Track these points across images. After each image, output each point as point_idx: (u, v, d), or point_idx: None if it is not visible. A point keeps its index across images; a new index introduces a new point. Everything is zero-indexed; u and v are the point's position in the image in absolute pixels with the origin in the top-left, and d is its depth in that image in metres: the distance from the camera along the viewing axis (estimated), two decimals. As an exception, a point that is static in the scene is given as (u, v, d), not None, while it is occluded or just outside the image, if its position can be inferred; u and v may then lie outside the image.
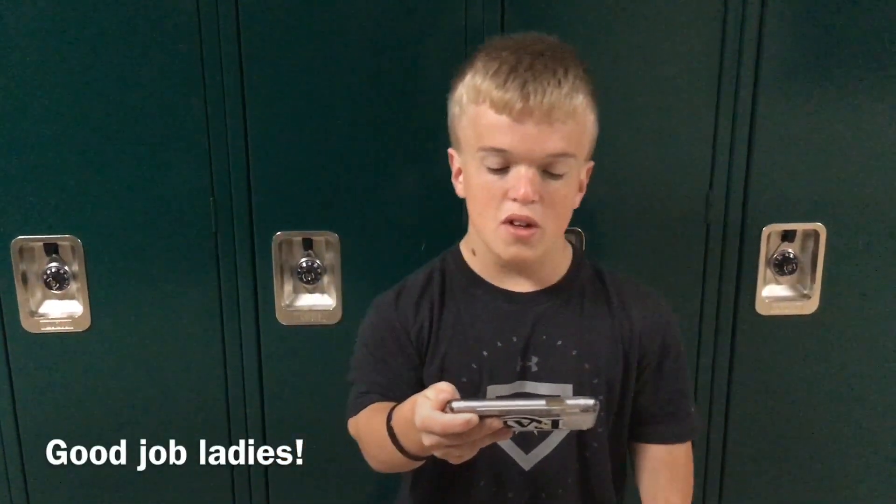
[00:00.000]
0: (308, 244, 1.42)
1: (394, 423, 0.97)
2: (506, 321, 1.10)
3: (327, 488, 1.51)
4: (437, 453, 0.90)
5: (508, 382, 1.09)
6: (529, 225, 1.00)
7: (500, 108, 0.97)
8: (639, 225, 1.42)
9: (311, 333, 1.44)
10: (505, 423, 0.86)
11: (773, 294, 1.46)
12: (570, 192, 1.03)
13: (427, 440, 0.87)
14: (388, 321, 1.12)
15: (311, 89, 1.34)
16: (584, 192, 1.10)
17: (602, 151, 1.38)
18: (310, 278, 1.42)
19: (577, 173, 1.04)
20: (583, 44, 1.32)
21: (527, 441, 1.11)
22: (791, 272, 1.45)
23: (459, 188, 1.09)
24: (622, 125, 1.38)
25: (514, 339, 1.09)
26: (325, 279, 1.44)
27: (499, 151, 0.99)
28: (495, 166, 1.00)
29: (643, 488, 1.18)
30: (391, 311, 1.12)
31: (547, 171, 0.99)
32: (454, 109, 1.06)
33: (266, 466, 1.50)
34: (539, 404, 0.84)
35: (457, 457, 0.90)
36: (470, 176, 1.04)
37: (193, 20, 1.30)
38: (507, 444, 1.11)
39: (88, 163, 1.36)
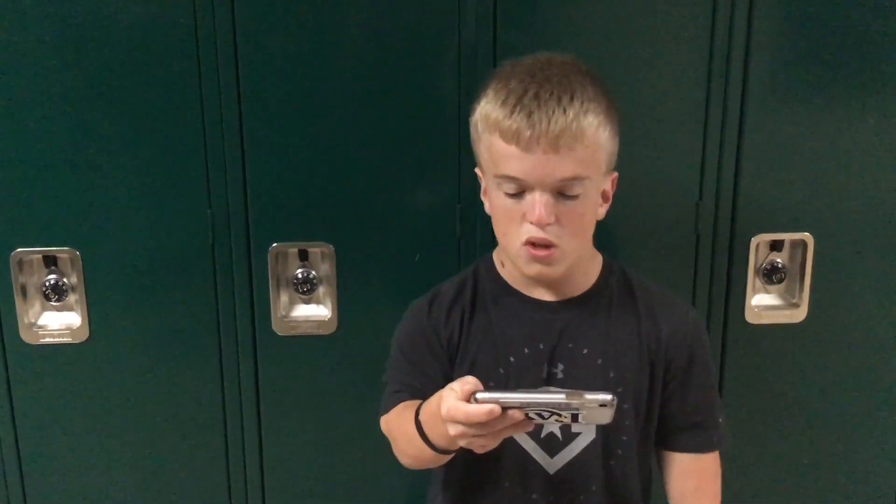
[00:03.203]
0: (304, 255, 1.43)
1: (421, 417, 1.01)
2: (534, 329, 1.13)
3: (324, 497, 1.52)
4: (462, 443, 0.94)
5: (534, 388, 1.12)
6: (548, 246, 1.03)
7: (509, 138, 1.00)
8: (629, 235, 1.43)
9: (307, 343, 1.45)
10: (526, 414, 0.90)
11: (763, 303, 1.48)
12: (587, 209, 1.05)
13: (452, 430, 0.91)
14: (421, 326, 1.15)
15: (306, 102, 1.36)
16: (609, 201, 1.12)
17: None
18: (305, 289, 1.44)
19: (595, 190, 1.06)
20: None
21: (551, 445, 1.13)
22: (780, 281, 1.47)
23: (487, 206, 1.12)
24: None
25: (541, 347, 1.12)
26: (321, 290, 1.45)
27: (512, 179, 1.02)
28: (511, 191, 1.03)
29: (671, 496, 1.19)
30: (424, 317, 1.16)
31: (562, 193, 1.01)
32: (473, 133, 1.09)
33: (263, 475, 1.51)
34: (559, 397, 0.88)
35: (480, 446, 0.94)
36: (491, 198, 1.08)
37: (190, 33, 1.32)
38: (531, 447, 1.13)
39: (87, 176, 1.37)
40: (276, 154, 1.38)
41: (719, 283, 1.46)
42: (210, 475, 1.51)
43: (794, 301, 1.47)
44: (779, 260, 1.46)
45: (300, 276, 1.43)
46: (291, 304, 1.46)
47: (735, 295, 1.46)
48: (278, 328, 1.44)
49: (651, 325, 1.14)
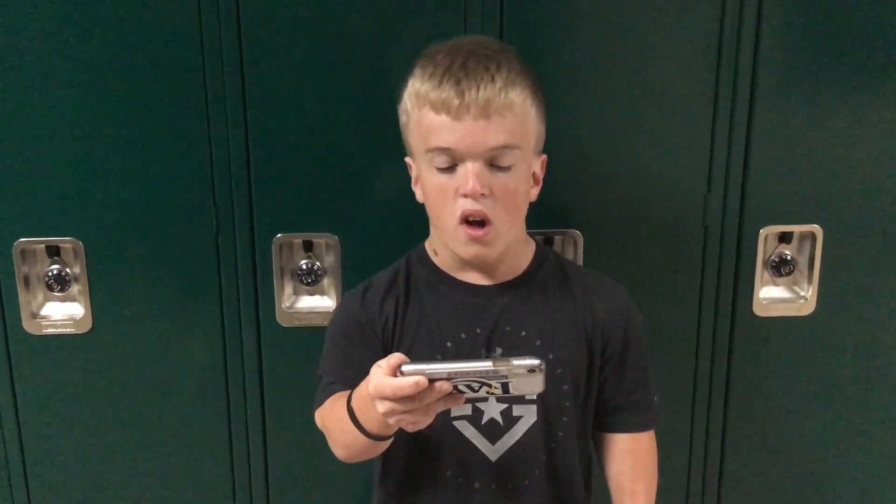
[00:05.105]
0: (308, 246, 1.43)
1: (353, 403, 1.00)
2: (469, 313, 1.13)
3: (327, 488, 1.52)
4: (392, 420, 0.92)
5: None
6: (484, 223, 1.03)
7: (439, 108, 1.01)
8: (637, 227, 1.42)
9: (311, 335, 1.44)
10: (456, 387, 0.89)
11: (771, 295, 1.47)
12: (520, 184, 1.06)
13: (381, 407, 0.91)
14: (355, 316, 1.15)
15: (311, 93, 1.35)
16: (539, 185, 1.12)
17: (600, 154, 1.40)
18: (310, 280, 1.43)
19: (527, 166, 1.07)
20: (581, 48, 1.36)
21: (493, 431, 1.13)
22: (788, 274, 1.46)
23: (418, 194, 1.12)
24: (620, 128, 1.39)
25: (478, 331, 1.12)
26: (325, 281, 1.45)
27: (444, 150, 1.02)
28: (443, 165, 1.03)
29: (609, 477, 1.20)
30: (357, 307, 1.15)
31: (494, 164, 1.02)
32: (402, 118, 1.09)
33: (267, 466, 1.51)
34: (486, 365, 0.87)
35: (411, 423, 0.93)
36: (424, 179, 1.08)
37: (195, 24, 1.31)
38: (472, 434, 1.13)
39: (90, 165, 1.36)
40: (280, 144, 1.37)
41: (727, 276, 1.45)
42: (214, 466, 1.50)
43: (803, 294, 1.47)
44: (787, 252, 1.45)
45: (304, 267, 1.43)
46: (296, 295, 1.46)
47: (743, 287, 1.46)
48: (282, 319, 1.44)
49: (587, 306, 1.15)
